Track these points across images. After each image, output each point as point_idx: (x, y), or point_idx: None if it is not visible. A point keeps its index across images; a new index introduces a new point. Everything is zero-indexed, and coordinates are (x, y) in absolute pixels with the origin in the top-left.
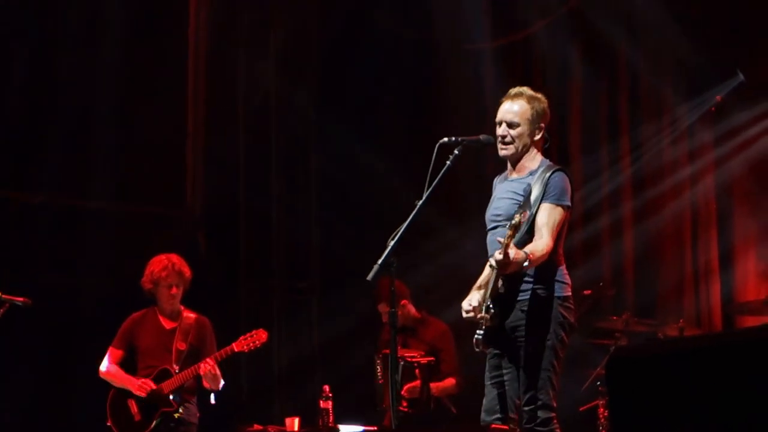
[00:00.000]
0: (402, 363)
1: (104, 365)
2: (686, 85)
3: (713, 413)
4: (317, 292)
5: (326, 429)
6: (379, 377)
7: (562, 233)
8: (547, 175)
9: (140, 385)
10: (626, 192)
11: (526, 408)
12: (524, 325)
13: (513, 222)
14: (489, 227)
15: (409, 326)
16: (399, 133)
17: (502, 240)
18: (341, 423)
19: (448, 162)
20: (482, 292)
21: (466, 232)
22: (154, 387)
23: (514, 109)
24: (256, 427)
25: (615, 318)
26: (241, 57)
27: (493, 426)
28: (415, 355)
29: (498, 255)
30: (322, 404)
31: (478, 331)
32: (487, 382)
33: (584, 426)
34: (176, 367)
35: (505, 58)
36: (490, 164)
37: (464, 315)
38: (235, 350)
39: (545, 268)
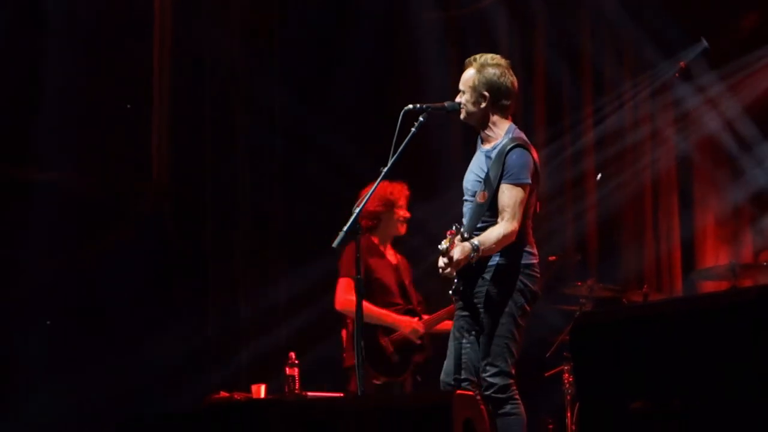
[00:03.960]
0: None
1: (345, 297)
2: (650, 49)
3: (676, 377)
4: (284, 262)
5: (292, 395)
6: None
7: (528, 210)
8: (506, 151)
9: (415, 328)
10: (589, 158)
11: (484, 375)
12: (486, 292)
13: (458, 236)
14: (464, 198)
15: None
16: (359, 105)
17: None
18: (307, 389)
19: (413, 129)
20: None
21: (431, 200)
22: (422, 330)
23: (463, 76)
24: (223, 394)
25: (580, 284)
26: (206, 28)
27: (458, 392)
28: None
29: (441, 264)
30: (288, 371)
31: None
32: (450, 344)
33: (549, 391)
34: (418, 308)
35: (458, 29)
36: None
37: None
38: None
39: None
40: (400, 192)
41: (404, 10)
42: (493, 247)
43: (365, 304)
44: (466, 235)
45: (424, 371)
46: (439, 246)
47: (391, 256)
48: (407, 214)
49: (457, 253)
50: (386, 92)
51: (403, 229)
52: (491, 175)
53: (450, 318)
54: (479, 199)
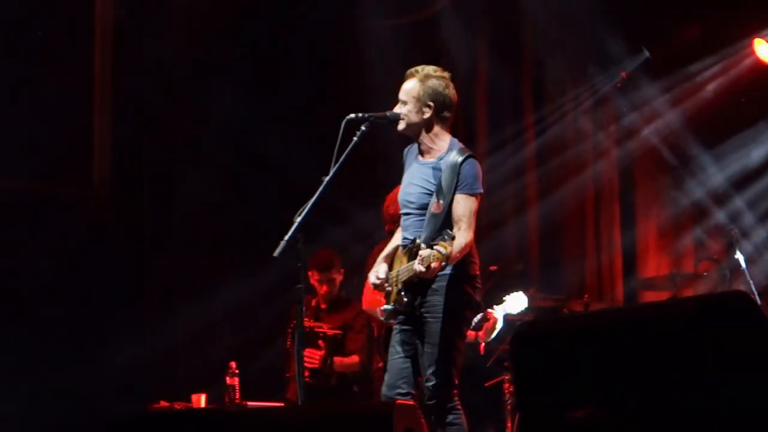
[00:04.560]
0: (307, 331)
1: (369, 297)
2: (592, 60)
3: (616, 387)
4: (226, 268)
5: (233, 405)
6: (287, 347)
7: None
8: (459, 162)
9: None
10: (530, 168)
11: (428, 384)
12: (431, 302)
13: (435, 254)
14: (402, 211)
15: (330, 302)
16: (304, 111)
17: (424, 254)
18: (248, 399)
19: (355, 138)
20: (386, 266)
21: (378, 220)
22: None
23: (405, 86)
24: (163, 403)
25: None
26: (149, 33)
27: (399, 401)
28: (323, 325)
29: (422, 268)
30: (228, 380)
31: (386, 305)
32: (391, 358)
33: (490, 401)
34: None
35: (411, 35)
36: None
37: (372, 286)
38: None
39: None
40: None
41: (353, 17)
42: (457, 256)
43: None
44: (423, 246)
45: (362, 383)
46: (422, 253)
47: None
48: None
49: (434, 262)
50: (334, 100)
51: None
52: (445, 185)
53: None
54: (434, 209)
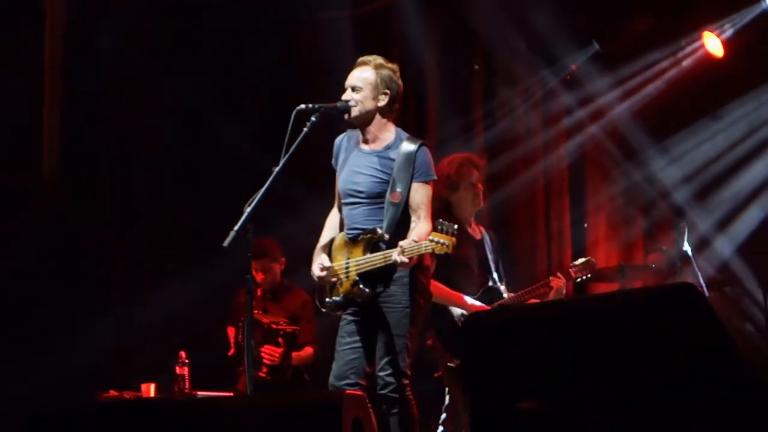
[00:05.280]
0: (266, 328)
1: None
2: (541, 53)
3: (564, 378)
4: (178, 261)
5: (182, 395)
6: (240, 340)
7: None
8: (412, 150)
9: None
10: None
11: (381, 374)
12: (389, 292)
13: (431, 245)
14: (347, 200)
15: (272, 290)
16: (258, 103)
17: (406, 245)
18: (197, 389)
19: (305, 129)
20: (334, 252)
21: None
22: None
23: (357, 74)
24: (112, 393)
25: None
26: (102, 23)
27: (348, 392)
28: (280, 321)
29: (405, 259)
30: (178, 370)
31: (333, 297)
32: (340, 348)
33: (440, 392)
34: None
35: (363, 27)
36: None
37: (316, 277)
38: (572, 276)
39: None
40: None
41: (307, 9)
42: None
43: (439, 285)
44: (386, 236)
45: (312, 371)
46: (404, 245)
47: (475, 231)
48: (479, 187)
49: (414, 252)
50: (291, 91)
51: (480, 203)
52: (401, 174)
53: (531, 298)
54: (393, 199)
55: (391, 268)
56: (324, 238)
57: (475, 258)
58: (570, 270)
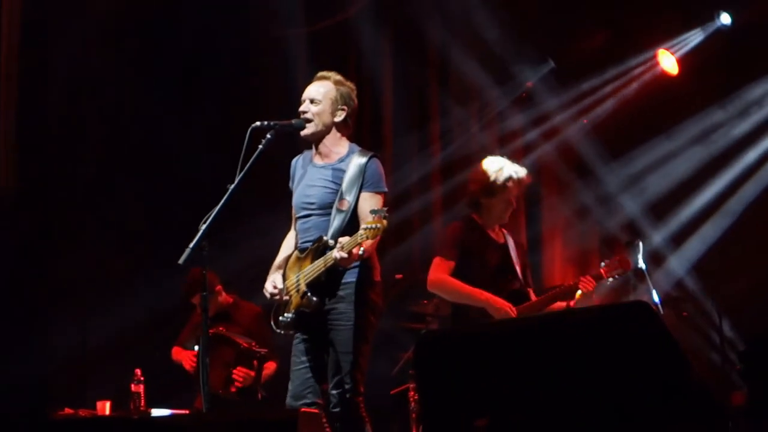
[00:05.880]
0: (242, 349)
1: (434, 275)
2: (497, 71)
3: (519, 394)
4: (134, 273)
5: (138, 413)
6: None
7: None
8: (363, 161)
9: (505, 312)
10: (436, 177)
11: (334, 391)
12: (339, 310)
13: (364, 233)
14: (300, 214)
15: (223, 312)
16: (216, 119)
17: (348, 242)
18: (153, 407)
19: (260, 146)
20: (286, 271)
21: (279, 217)
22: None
23: (317, 88)
24: (67, 411)
25: (426, 302)
26: (57, 31)
27: (303, 410)
28: (253, 344)
29: (343, 254)
30: (133, 388)
31: (285, 314)
32: (295, 368)
33: (395, 409)
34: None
35: (319, 43)
36: (304, 149)
37: (269, 296)
38: (604, 276)
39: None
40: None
41: (264, 24)
42: (369, 250)
43: (458, 283)
44: (332, 242)
45: (270, 388)
46: (342, 239)
47: (498, 235)
48: (513, 204)
49: (354, 249)
50: (245, 106)
51: (506, 218)
52: (350, 183)
53: (558, 300)
54: (340, 206)
55: (338, 272)
56: (279, 258)
57: (498, 262)
58: (601, 270)
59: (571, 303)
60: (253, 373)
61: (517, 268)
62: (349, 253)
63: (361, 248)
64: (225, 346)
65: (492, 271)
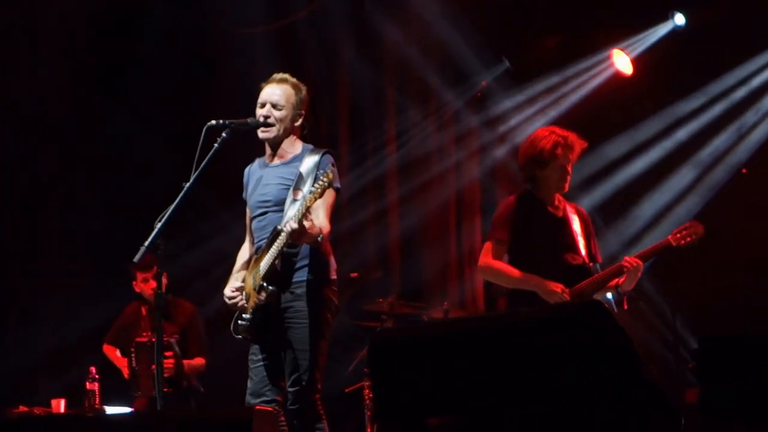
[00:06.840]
0: (150, 345)
1: (483, 259)
2: (452, 71)
3: (473, 393)
4: (88, 274)
5: (92, 410)
6: (134, 365)
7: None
8: (317, 157)
9: (557, 296)
10: (392, 176)
11: (291, 389)
12: (295, 308)
13: (311, 195)
14: (256, 213)
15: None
16: (173, 118)
17: (296, 212)
18: (107, 404)
19: (216, 144)
20: (245, 275)
21: (237, 216)
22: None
23: (279, 92)
24: (22, 408)
25: (381, 300)
26: (18, 39)
27: (258, 408)
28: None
29: (293, 224)
30: (88, 386)
31: (244, 316)
32: (253, 366)
33: (350, 407)
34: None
35: (275, 42)
36: (261, 147)
37: (228, 301)
38: (672, 244)
39: (317, 250)
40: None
41: (221, 24)
42: (325, 234)
43: (507, 267)
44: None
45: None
46: (292, 212)
47: (557, 209)
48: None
49: (308, 224)
50: (202, 106)
51: (566, 186)
52: (304, 177)
53: (612, 278)
54: (294, 196)
55: (293, 261)
56: (237, 265)
57: (557, 238)
58: (669, 238)
59: (620, 281)
60: (171, 361)
61: (580, 242)
62: (301, 224)
63: (316, 227)
64: (147, 353)
65: (550, 248)
